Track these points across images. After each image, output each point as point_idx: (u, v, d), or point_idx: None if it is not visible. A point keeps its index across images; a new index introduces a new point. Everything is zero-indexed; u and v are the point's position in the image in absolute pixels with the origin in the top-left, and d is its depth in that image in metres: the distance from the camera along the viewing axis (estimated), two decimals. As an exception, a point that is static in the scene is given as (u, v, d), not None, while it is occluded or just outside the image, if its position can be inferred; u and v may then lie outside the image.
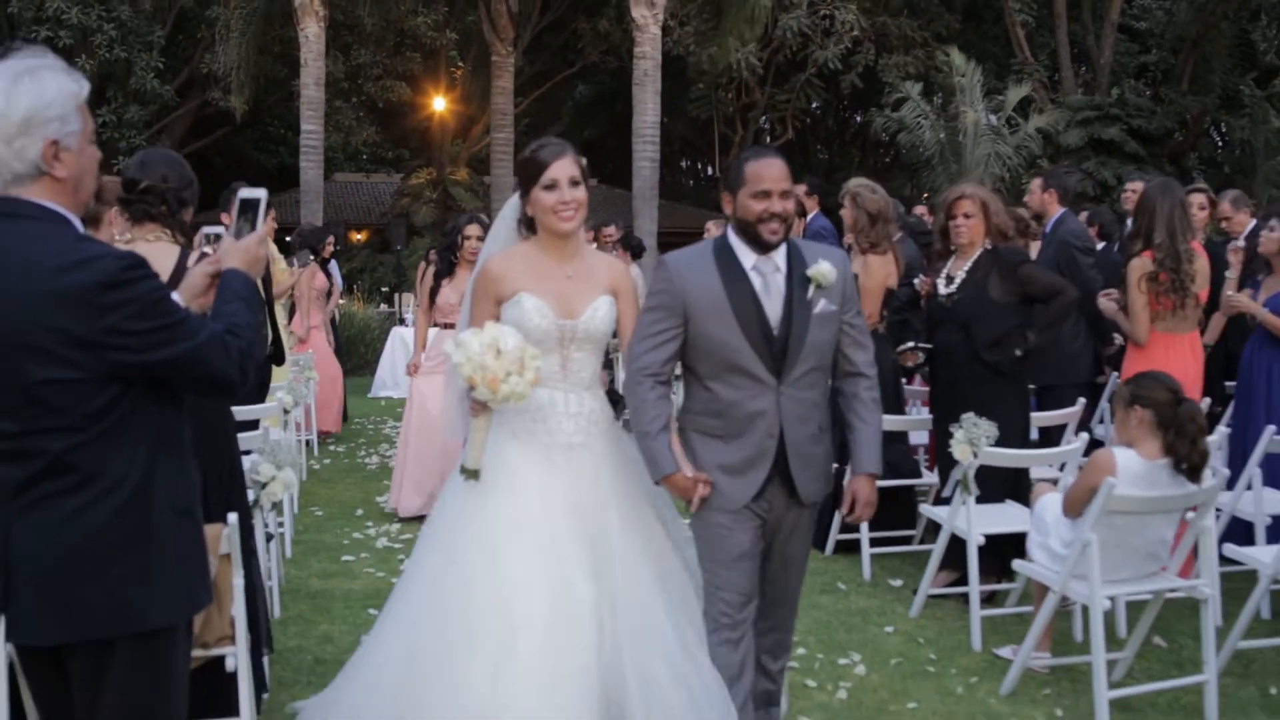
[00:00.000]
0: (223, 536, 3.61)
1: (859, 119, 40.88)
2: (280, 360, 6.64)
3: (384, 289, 22.61)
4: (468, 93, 33.79)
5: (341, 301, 12.80)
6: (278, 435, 5.41)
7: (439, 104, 32.38)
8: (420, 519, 6.96)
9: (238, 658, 3.65)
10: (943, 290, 5.95)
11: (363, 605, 5.86)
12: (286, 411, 6.84)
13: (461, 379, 3.55)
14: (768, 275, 3.74)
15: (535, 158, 3.81)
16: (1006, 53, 35.79)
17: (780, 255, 3.77)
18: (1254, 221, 7.83)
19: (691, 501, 3.76)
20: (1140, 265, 6.05)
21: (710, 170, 42.43)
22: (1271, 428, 5.69)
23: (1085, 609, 4.68)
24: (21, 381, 2.54)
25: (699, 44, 23.01)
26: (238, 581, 3.67)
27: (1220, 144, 40.32)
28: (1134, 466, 4.35)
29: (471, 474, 3.69)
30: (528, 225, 3.90)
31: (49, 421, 2.56)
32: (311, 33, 17.69)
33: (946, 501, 5.78)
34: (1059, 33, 34.95)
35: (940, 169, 26.88)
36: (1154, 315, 6.05)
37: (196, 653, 3.61)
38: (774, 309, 3.72)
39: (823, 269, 3.71)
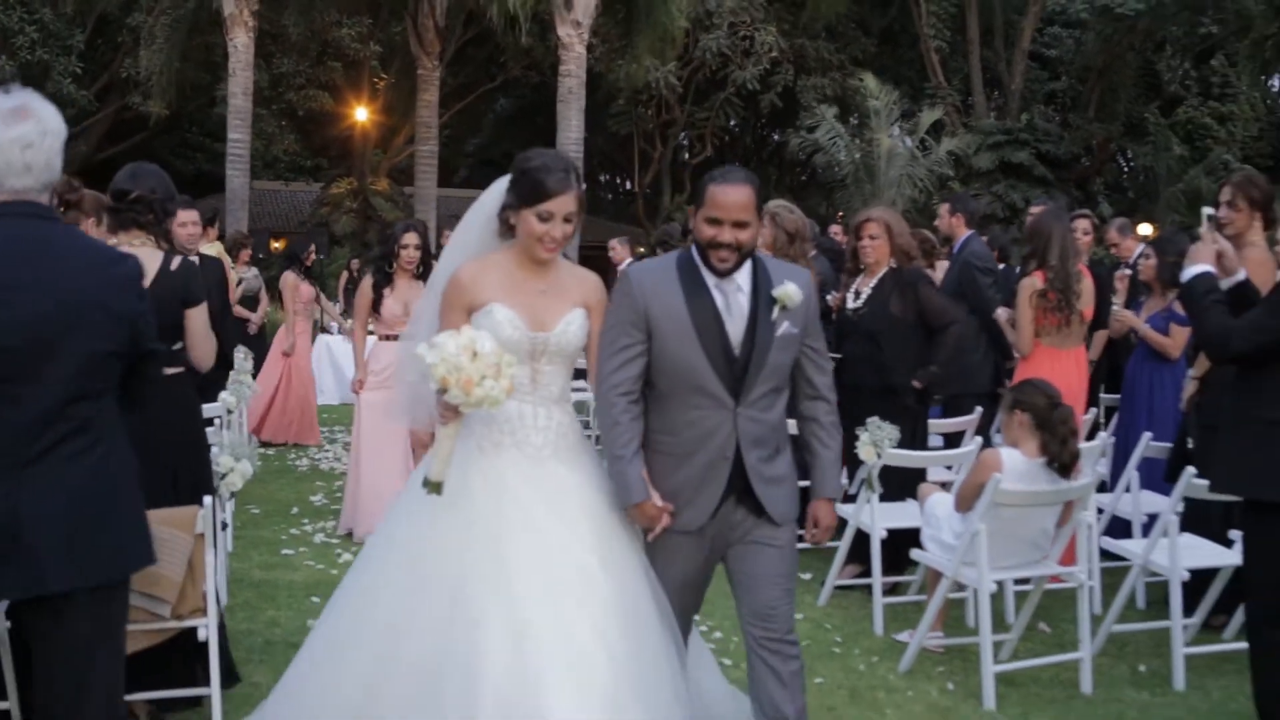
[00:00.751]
0: (198, 517, 3.96)
1: (776, 138, 41.66)
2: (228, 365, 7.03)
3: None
4: (390, 103, 33.98)
5: (268, 309, 13.00)
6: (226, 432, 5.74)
7: (361, 114, 32.52)
8: None
9: (209, 628, 4.00)
10: (850, 305, 6.46)
11: (305, 594, 6.20)
12: (230, 411, 7.12)
13: (434, 381, 3.36)
14: (729, 294, 3.65)
15: (542, 182, 3.64)
16: (921, 76, 36.77)
17: (743, 274, 3.67)
18: (1141, 246, 8.44)
19: (650, 530, 3.67)
20: (1030, 284, 6.58)
21: (629, 185, 42.90)
22: (1149, 434, 6.22)
23: (975, 595, 5.18)
24: (79, 351, 2.98)
25: (612, 62, 23.42)
26: (209, 559, 4.02)
27: (1125, 170, 41.61)
28: (1017, 464, 4.85)
29: (434, 487, 3.50)
30: (505, 224, 3.77)
31: (89, 387, 3.02)
32: (240, 43, 17.89)
33: (852, 499, 6.27)
34: (972, 58, 35.95)
35: (855, 189, 27.64)
36: (1041, 330, 6.57)
37: (171, 624, 3.98)
38: (735, 328, 3.63)
39: (789, 290, 3.63)
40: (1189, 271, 4.32)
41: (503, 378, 3.40)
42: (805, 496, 3.87)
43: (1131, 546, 5.51)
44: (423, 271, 7.56)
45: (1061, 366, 6.48)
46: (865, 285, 6.45)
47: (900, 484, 6.22)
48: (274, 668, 4.98)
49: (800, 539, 3.88)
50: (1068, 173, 35.57)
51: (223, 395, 6.93)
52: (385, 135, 35.17)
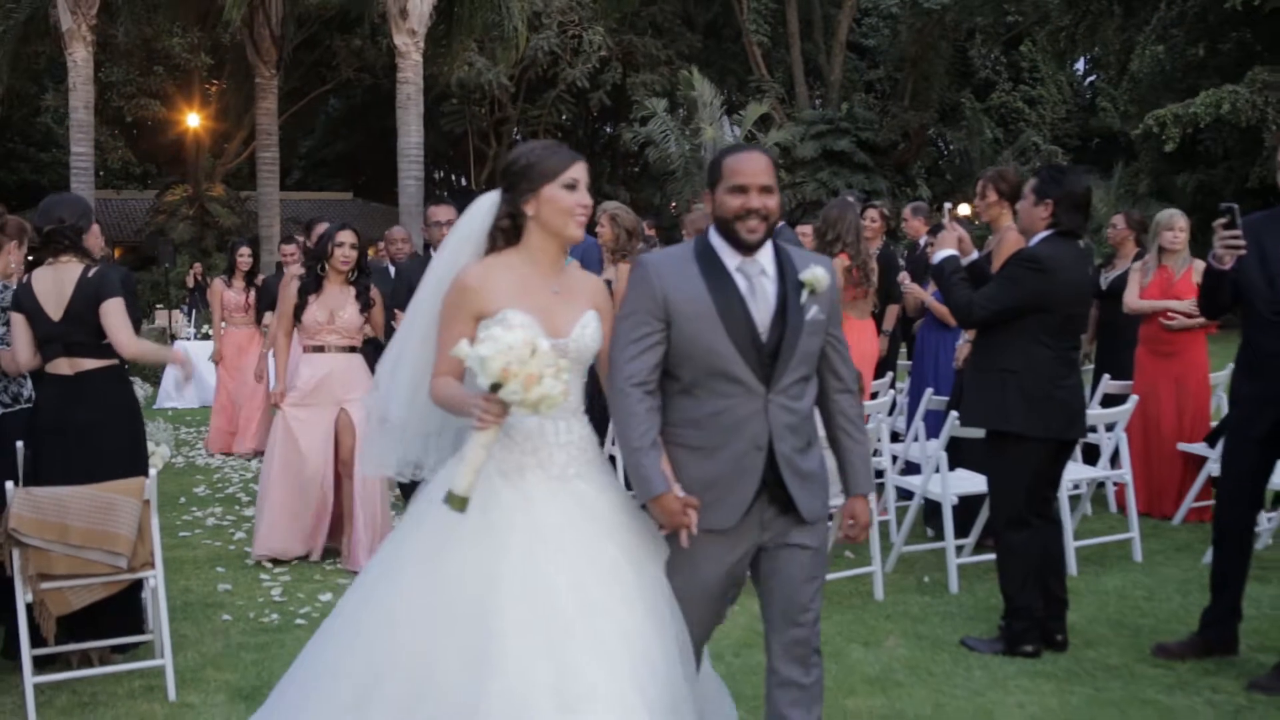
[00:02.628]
0: (145, 487, 4.77)
1: (610, 130, 42.75)
2: None
3: (157, 305, 22.91)
4: (223, 109, 34.04)
5: None
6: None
7: (193, 120, 32.51)
8: (290, 561, 6.99)
9: (158, 578, 4.81)
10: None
11: (209, 565, 6.98)
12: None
13: (489, 375, 3.04)
14: (753, 278, 3.46)
15: (552, 157, 3.46)
16: (747, 70, 38.15)
17: (767, 258, 3.48)
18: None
19: (677, 526, 3.38)
20: (838, 263, 7.69)
21: (465, 182, 43.43)
22: (930, 390, 7.37)
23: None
24: None
25: (443, 65, 24.14)
26: (155, 522, 4.82)
27: (944, 154, 43.63)
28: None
29: (459, 503, 3.14)
30: (507, 234, 3.49)
31: None
32: (80, 57, 18.17)
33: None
34: (793, 51, 37.36)
35: (685, 180, 28.89)
36: (844, 304, 7.70)
37: (127, 575, 4.78)
38: (762, 313, 3.43)
39: (817, 274, 3.45)
40: (937, 255, 5.44)
41: (561, 377, 3.11)
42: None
43: (915, 482, 6.64)
44: (355, 277, 7.16)
45: (855, 335, 7.59)
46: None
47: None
48: (195, 623, 5.90)
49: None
50: (887, 158, 37.30)
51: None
52: (218, 141, 35.18)
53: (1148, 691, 4.80)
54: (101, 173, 34.85)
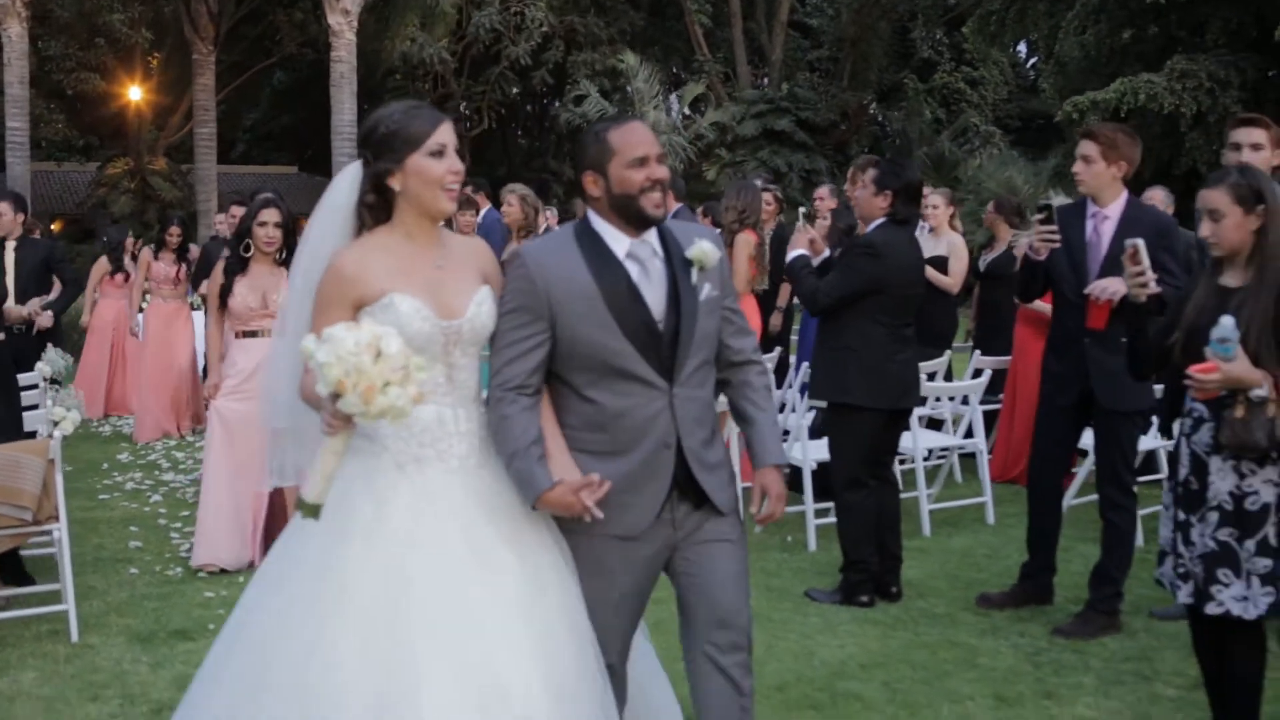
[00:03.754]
0: (50, 447, 5.19)
1: (556, 106, 43.08)
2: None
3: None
4: (164, 83, 34.04)
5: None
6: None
7: (135, 94, 32.50)
8: (233, 572, 6.34)
9: (62, 530, 5.25)
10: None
11: (124, 525, 7.41)
12: (46, 379, 8.15)
13: (326, 384, 2.79)
14: (645, 261, 3.22)
15: (413, 122, 3.14)
16: (690, 49, 38.56)
17: (654, 236, 3.25)
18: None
19: (577, 513, 3.12)
20: (746, 240, 8.19)
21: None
22: (805, 364, 7.88)
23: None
24: None
25: (382, 40, 24.45)
26: (59, 479, 5.25)
27: (884, 134, 44.20)
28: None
29: (310, 510, 2.91)
30: (374, 209, 3.18)
31: None
32: (14, 32, 18.37)
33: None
34: (735, 31, 37.71)
35: (620, 160, 29.31)
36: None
37: (30, 530, 5.21)
38: (656, 299, 3.20)
39: (705, 249, 3.22)
40: (790, 255, 5.98)
41: (410, 384, 2.84)
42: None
43: (796, 452, 7.17)
44: (285, 257, 6.50)
45: (749, 308, 8.11)
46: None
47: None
48: (104, 575, 6.36)
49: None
50: (827, 138, 37.81)
51: (38, 365, 7.99)
52: (160, 114, 35.16)
53: (962, 636, 5.34)
54: (43, 143, 34.81)
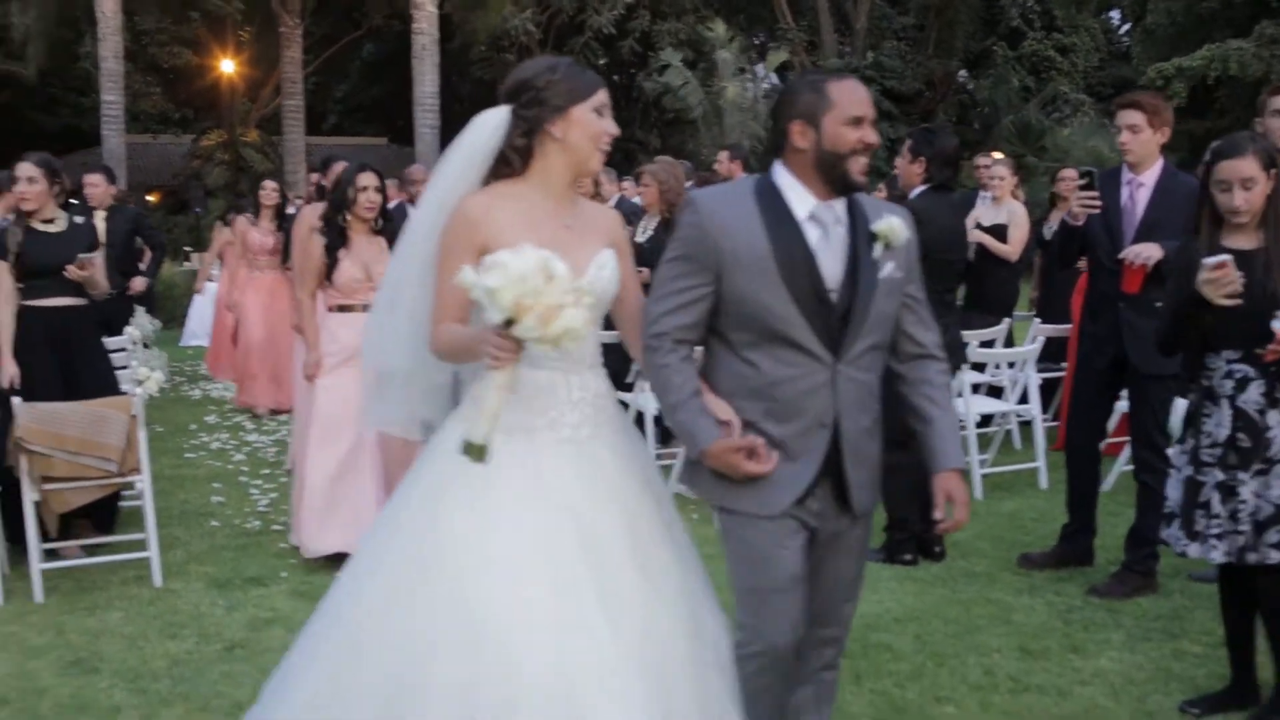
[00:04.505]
0: (132, 403, 5.54)
1: (639, 76, 43.15)
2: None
3: (186, 249, 23.79)
4: (255, 56, 34.73)
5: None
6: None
7: (227, 66, 33.21)
8: (335, 558, 5.72)
9: (145, 482, 5.61)
10: (638, 238, 8.14)
11: (207, 482, 7.80)
12: (135, 342, 8.55)
13: (499, 309, 2.69)
14: (828, 226, 3.03)
15: (581, 76, 3.10)
16: (774, 17, 38.45)
17: (839, 204, 3.06)
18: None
19: (741, 473, 2.99)
20: None
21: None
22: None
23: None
24: None
25: (469, 12, 24.78)
26: (142, 434, 5.61)
27: (971, 102, 43.75)
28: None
29: (477, 452, 2.79)
30: (521, 155, 3.09)
31: None
32: (108, 8, 18.99)
33: (630, 388, 7.98)
34: (820, -1, 37.68)
35: (705, 130, 29.46)
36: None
37: (115, 481, 5.57)
38: (832, 268, 3.01)
39: (892, 224, 3.04)
40: None
41: (582, 306, 2.74)
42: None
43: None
44: (381, 225, 6.21)
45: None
46: (649, 224, 8.13)
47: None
48: (186, 528, 6.74)
49: (933, 522, 4.25)
50: (912, 106, 37.56)
51: (127, 329, 8.41)
52: (252, 86, 35.89)
53: (998, 593, 5.51)
54: (140, 117, 35.70)
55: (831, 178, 3.00)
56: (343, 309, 6.17)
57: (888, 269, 3.05)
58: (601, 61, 39.21)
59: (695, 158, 30.91)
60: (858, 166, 2.98)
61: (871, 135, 3.00)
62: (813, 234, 3.01)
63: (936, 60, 37.50)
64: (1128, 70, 43.49)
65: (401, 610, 2.89)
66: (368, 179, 6.14)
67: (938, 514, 3.22)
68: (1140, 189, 5.36)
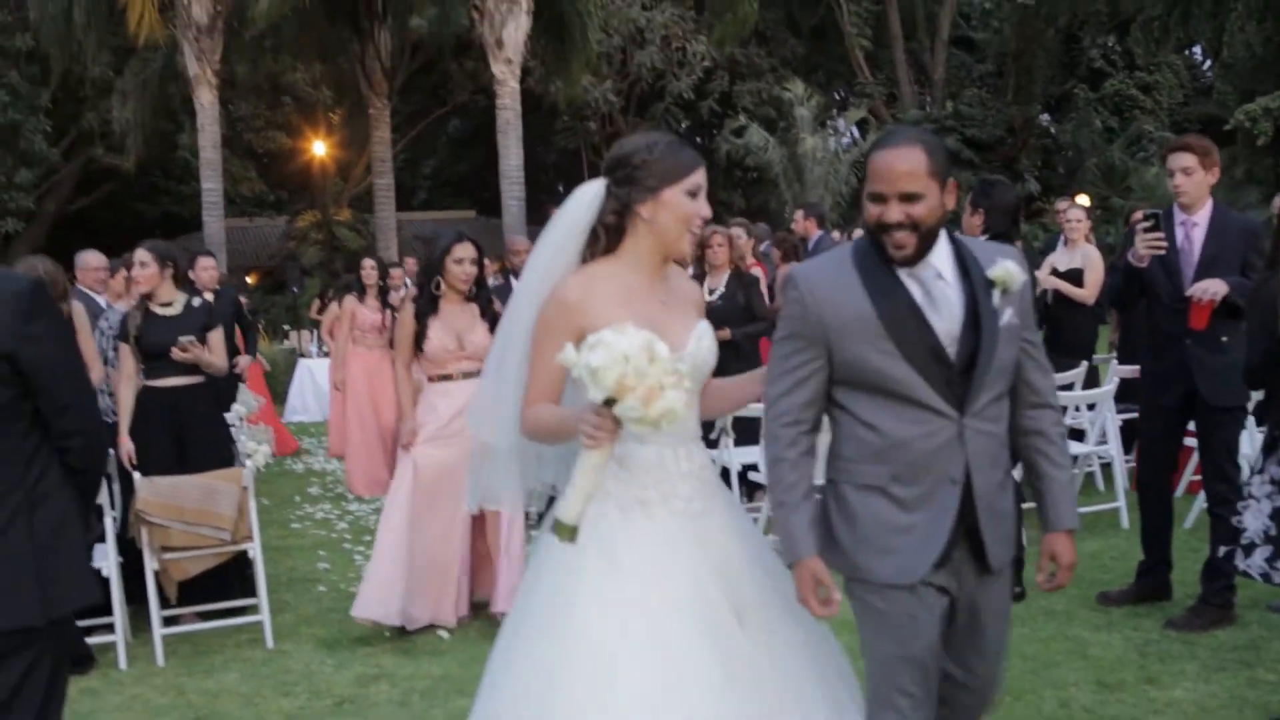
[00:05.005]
0: (244, 475, 5.91)
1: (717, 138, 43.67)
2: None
3: (285, 327, 24.53)
4: (346, 137, 35.83)
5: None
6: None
7: (319, 148, 34.28)
8: (430, 629, 6.08)
9: (255, 549, 5.96)
10: (709, 298, 8.43)
11: (313, 550, 8.16)
12: (241, 418, 9.02)
13: (601, 388, 2.70)
14: (928, 282, 2.96)
15: (677, 156, 3.09)
16: (852, 72, 38.82)
17: (942, 257, 2.98)
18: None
19: (815, 601, 2.98)
20: None
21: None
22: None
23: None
24: None
25: (550, 83, 25.42)
26: (252, 504, 5.96)
27: (1055, 145, 43.58)
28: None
29: (568, 532, 2.85)
30: (610, 232, 3.12)
31: None
32: (206, 100, 19.77)
33: (715, 445, 8.23)
34: (896, 53, 37.90)
35: (786, 187, 29.79)
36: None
37: (230, 547, 5.92)
38: (945, 323, 2.94)
39: (1009, 269, 2.96)
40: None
41: (681, 388, 2.77)
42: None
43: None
44: (476, 294, 6.22)
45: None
46: (717, 282, 8.40)
47: (756, 431, 8.19)
48: (295, 593, 7.09)
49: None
50: (994, 154, 37.53)
51: (234, 406, 8.86)
52: (343, 167, 37.00)
53: (1075, 629, 5.65)
54: (236, 200, 36.89)
55: (881, 244, 2.95)
56: (441, 378, 6.16)
57: (1006, 315, 2.98)
58: (684, 125, 39.88)
59: (779, 216, 31.28)
60: (891, 242, 2.89)
61: (893, 213, 2.87)
62: (915, 291, 2.94)
63: (1016, 106, 37.47)
64: (1212, 106, 43.09)
65: (538, 687, 2.93)
66: (465, 250, 6.11)
67: (1040, 577, 3.19)
68: (1195, 228, 5.52)
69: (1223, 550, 5.59)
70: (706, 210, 3.12)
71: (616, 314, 2.93)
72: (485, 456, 3.36)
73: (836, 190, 28.74)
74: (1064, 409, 7.97)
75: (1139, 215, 8.54)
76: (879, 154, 2.93)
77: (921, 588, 2.94)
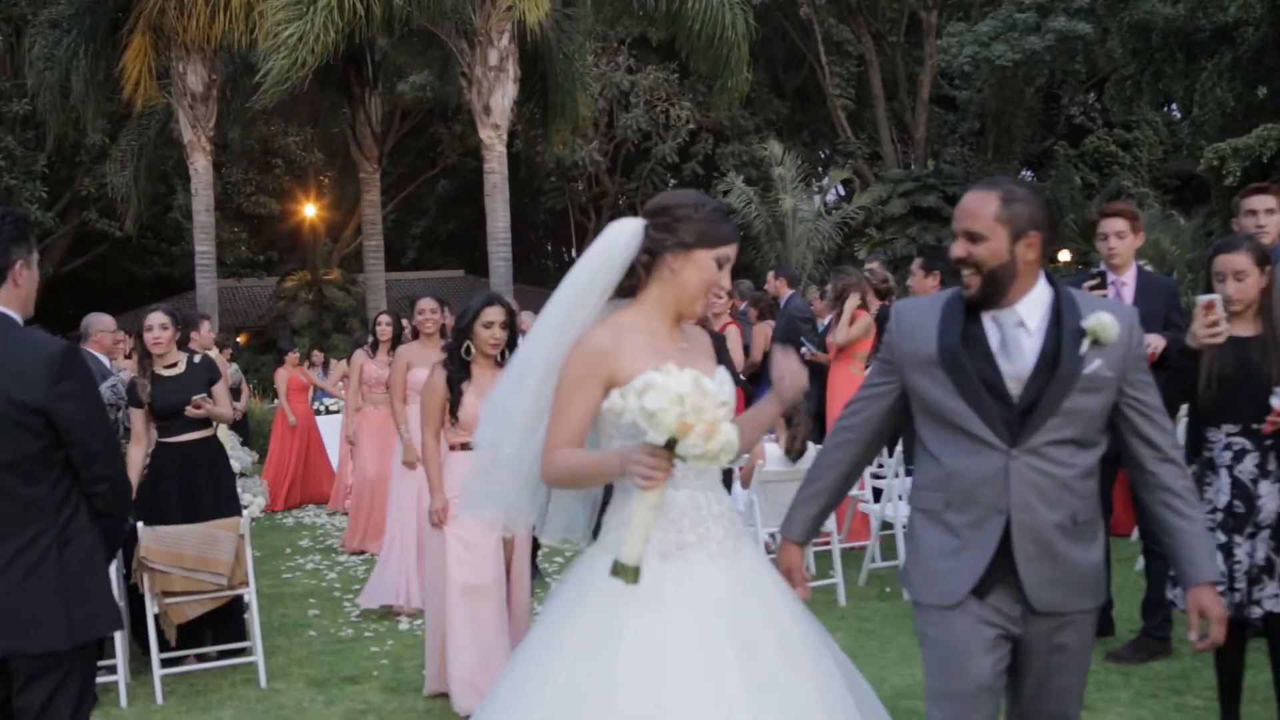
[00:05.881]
0: (240, 524, 6.27)
1: (704, 198, 44.15)
2: None
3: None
4: (336, 199, 36.44)
5: (248, 398, 14.84)
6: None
7: (309, 210, 34.81)
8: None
9: (251, 593, 6.31)
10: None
11: (304, 598, 8.50)
12: (241, 473, 9.36)
13: (662, 429, 2.74)
14: (1006, 327, 3.10)
15: (719, 224, 3.16)
16: (835, 132, 39.51)
17: (1030, 308, 3.11)
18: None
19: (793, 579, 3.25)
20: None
21: (570, 254, 45.19)
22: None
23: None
24: None
25: (535, 147, 26.00)
26: (249, 551, 6.32)
27: (1036, 204, 44.07)
28: (774, 453, 7.23)
29: (630, 574, 2.83)
30: (634, 274, 3.15)
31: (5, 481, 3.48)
32: (200, 165, 20.26)
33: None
34: (878, 113, 38.56)
35: (768, 246, 30.33)
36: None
37: (227, 592, 6.27)
38: (1011, 366, 3.07)
39: (1103, 321, 3.04)
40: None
41: (730, 421, 2.84)
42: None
43: (888, 511, 7.90)
44: (504, 358, 5.81)
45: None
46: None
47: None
48: (287, 637, 7.39)
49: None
50: (976, 213, 38.15)
51: (231, 460, 9.20)
52: (334, 228, 37.54)
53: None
54: (227, 262, 37.30)
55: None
56: (465, 447, 5.71)
57: (1094, 365, 3.04)
58: (671, 183, 40.53)
59: (763, 274, 31.77)
60: (961, 279, 3.13)
61: (957, 248, 3.12)
62: (993, 336, 3.09)
63: (996, 164, 38.14)
64: (1190, 163, 43.77)
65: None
66: (494, 314, 5.81)
67: (1192, 635, 3.17)
68: (1124, 287, 5.95)
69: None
70: (728, 282, 3.23)
71: (647, 361, 2.94)
72: (489, 460, 3.31)
73: (819, 249, 29.27)
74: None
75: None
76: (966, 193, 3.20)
77: (965, 616, 3.04)
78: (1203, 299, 4.56)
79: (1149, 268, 6.27)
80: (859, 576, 7.92)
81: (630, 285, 3.17)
